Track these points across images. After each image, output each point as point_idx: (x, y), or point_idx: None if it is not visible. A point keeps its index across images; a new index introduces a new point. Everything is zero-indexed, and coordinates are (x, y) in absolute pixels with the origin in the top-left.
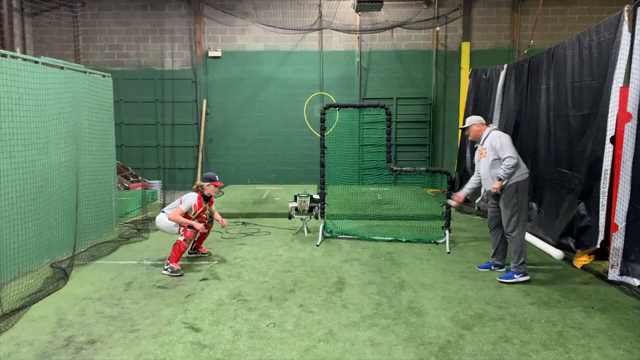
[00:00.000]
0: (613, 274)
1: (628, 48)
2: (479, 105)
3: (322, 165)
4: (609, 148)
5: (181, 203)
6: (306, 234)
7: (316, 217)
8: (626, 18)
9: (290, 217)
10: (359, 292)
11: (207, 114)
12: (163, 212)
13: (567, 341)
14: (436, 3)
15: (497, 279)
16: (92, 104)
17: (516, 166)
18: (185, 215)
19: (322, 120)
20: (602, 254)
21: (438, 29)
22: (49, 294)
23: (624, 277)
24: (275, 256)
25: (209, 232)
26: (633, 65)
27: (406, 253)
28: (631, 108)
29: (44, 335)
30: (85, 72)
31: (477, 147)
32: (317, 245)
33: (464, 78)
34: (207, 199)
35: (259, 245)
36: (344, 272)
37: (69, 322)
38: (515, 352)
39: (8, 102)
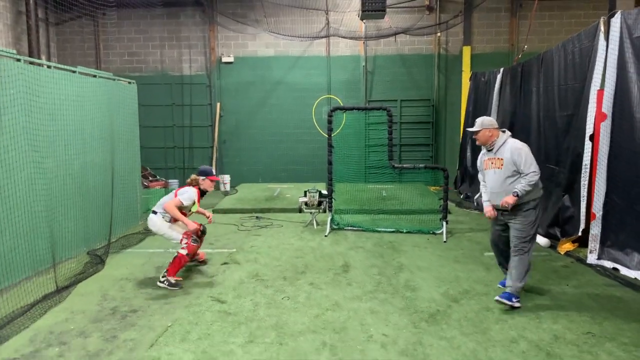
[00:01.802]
0: (591, 258)
1: (604, 54)
2: (478, 106)
3: (330, 163)
4: (588, 145)
5: (176, 196)
6: (315, 226)
7: (324, 211)
8: (602, 28)
9: (300, 210)
10: (362, 273)
11: (220, 116)
12: (154, 212)
13: (539, 309)
14: (438, 9)
15: (496, 298)
16: (120, 109)
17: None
18: (181, 211)
19: (330, 122)
20: (584, 241)
21: (439, 34)
22: (90, 275)
23: (601, 260)
24: (288, 245)
25: (202, 242)
26: (607, 70)
27: (406, 242)
28: (606, 109)
29: (93, 306)
30: (113, 80)
31: (483, 152)
32: (325, 236)
33: (465, 81)
34: (202, 193)
35: (272, 236)
36: (349, 258)
37: (111, 297)
38: (494, 318)
39: (50, 108)
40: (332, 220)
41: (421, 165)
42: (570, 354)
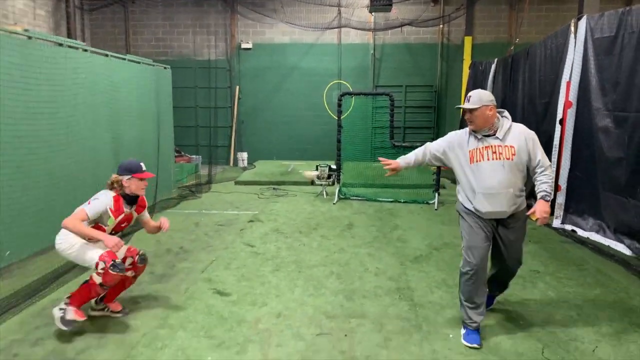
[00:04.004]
0: (556, 222)
1: (573, 51)
2: None
3: (339, 141)
4: (558, 128)
5: (88, 204)
6: (325, 196)
7: (333, 183)
8: (572, 28)
9: (312, 183)
10: (363, 230)
11: (239, 98)
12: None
13: None
14: (442, 1)
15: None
16: (158, 91)
17: None
18: (96, 225)
19: (339, 105)
20: (552, 209)
21: (443, 25)
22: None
23: (564, 224)
24: (301, 209)
25: (135, 278)
26: (574, 65)
27: (402, 210)
28: (572, 97)
29: (151, 247)
30: (153, 65)
31: (465, 138)
32: (334, 203)
33: (465, 69)
34: (131, 200)
35: (288, 203)
36: (353, 220)
37: (163, 242)
38: None
39: (106, 89)
40: (339, 191)
41: (418, 144)
42: (517, 282)
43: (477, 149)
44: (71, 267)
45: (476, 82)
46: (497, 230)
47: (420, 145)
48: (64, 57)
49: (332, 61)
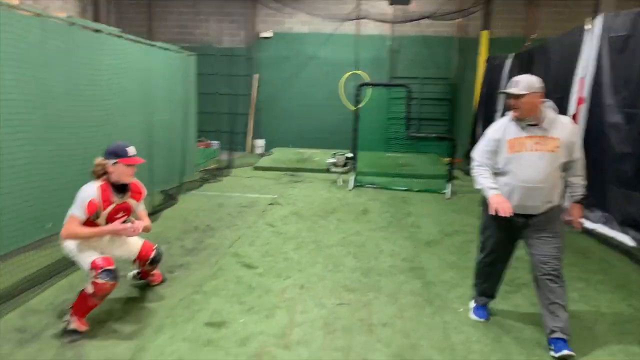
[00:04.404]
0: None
1: (588, 48)
2: (491, 87)
3: (355, 130)
4: None
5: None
6: (341, 183)
7: (348, 171)
8: (588, 25)
9: (328, 170)
10: (377, 216)
11: (258, 87)
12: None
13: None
14: None
15: (562, 352)
16: (184, 77)
17: None
18: (86, 222)
19: (357, 95)
20: None
21: (460, 19)
22: (169, 207)
23: None
24: (318, 195)
25: (155, 268)
26: (588, 62)
27: (416, 198)
28: (585, 93)
29: (179, 224)
30: (181, 52)
31: (507, 127)
32: (349, 190)
33: (481, 63)
34: (120, 188)
35: (306, 188)
36: (368, 206)
37: (190, 219)
38: (474, 247)
39: (138, 74)
40: (355, 178)
41: (433, 135)
42: (523, 266)
43: (518, 138)
44: None
45: (492, 76)
46: (525, 229)
47: (431, 133)
48: (102, 42)
49: (350, 51)
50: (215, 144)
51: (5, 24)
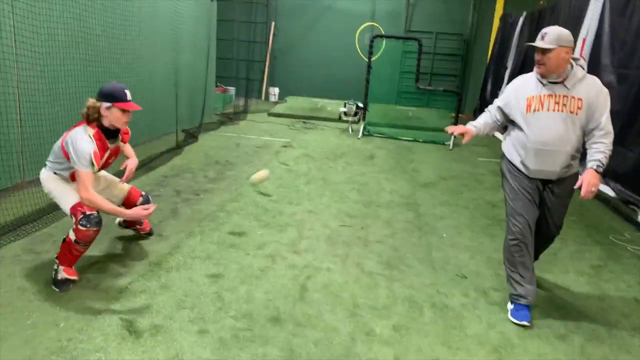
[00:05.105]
0: None
1: (592, 10)
2: (503, 45)
3: (367, 81)
4: None
5: (67, 158)
6: (350, 132)
7: (359, 120)
8: None
9: (340, 117)
10: (383, 161)
11: (274, 35)
12: (46, 164)
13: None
14: None
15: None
16: (207, 22)
17: None
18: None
19: (371, 47)
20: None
21: None
22: (191, 144)
23: None
24: (329, 141)
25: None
26: (591, 23)
27: (420, 148)
28: (585, 53)
29: (201, 158)
30: None
31: (528, 83)
32: (358, 138)
33: (496, 20)
34: (112, 133)
35: (317, 135)
36: (375, 152)
37: (211, 155)
38: (466, 189)
39: (165, 18)
40: (364, 127)
41: (441, 89)
42: None
43: (538, 96)
44: (150, 159)
45: (505, 34)
46: (542, 193)
47: (439, 87)
48: None
49: (367, 2)
50: (231, 89)
51: None
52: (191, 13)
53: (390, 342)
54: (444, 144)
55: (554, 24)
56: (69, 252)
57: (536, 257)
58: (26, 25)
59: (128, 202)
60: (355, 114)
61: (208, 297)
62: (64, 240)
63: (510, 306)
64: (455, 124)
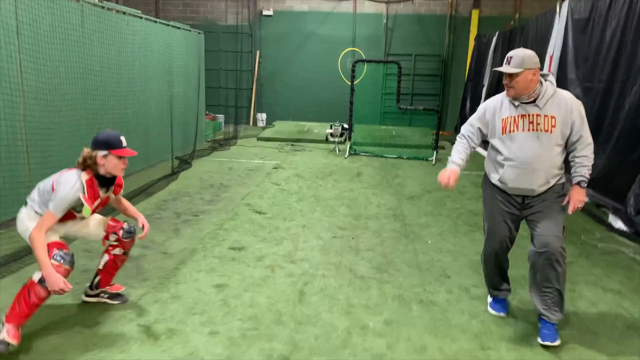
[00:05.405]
0: None
1: (556, 29)
2: (479, 63)
3: (351, 103)
4: None
5: (53, 189)
6: (337, 152)
7: (345, 141)
8: (557, 8)
9: (326, 139)
10: (370, 177)
11: (259, 63)
12: (27, 202)
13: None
14: None
15: (544, 342)
16: (192, 54)
17: None
18: (70, 214)
19: (353, 71)
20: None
21: None
22: (185, 169)
23: None
24: (317, 161)
25: (127, 255)
26: (556, 41)
27: (404, 165)
28: (553, 69)
29: (196, 182)
30: (190, 31)
31: (499, 105)
32: (345, 158)
33: (471, 40)
34: (106, 182)
35: (305, 156)
36: (361, 170)
37: (205, 179)
38: (449, 200)
39: (157, 51)
40: (350, 147)
41: (420, 107)
42: None
43: (511, 117)
44: (148, 185)
45: (480, 53)
46: (524, 206)
47: (419, 106)
48: (126, 23)
49: (347, 29)
50: (220, 117)
51: (51, 7)
52: (182, 46)
53: (382, 334)
54: (427, 159)
55: (523, 43)
56: (25, 302)
57: (543, 291)
58: (30, 64)
59: (109, 230)
60: (341, 134)
61: (215, 304)
62: (23, 285)
63: (489, 299)
64: (437, 140)
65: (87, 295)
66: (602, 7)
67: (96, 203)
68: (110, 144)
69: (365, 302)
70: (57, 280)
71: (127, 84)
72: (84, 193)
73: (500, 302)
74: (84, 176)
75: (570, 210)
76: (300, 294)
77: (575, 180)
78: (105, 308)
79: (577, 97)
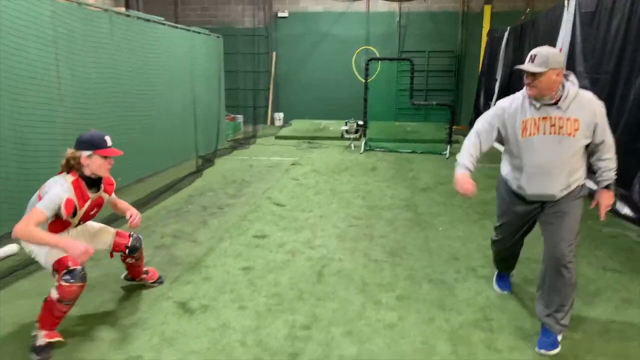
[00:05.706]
0: None
1: (565, 22)
2: (492, 58)
3: (365, 100)
4: None
5: (40, 198)
6: (353, 148)
7: (360, 137)
8: (566, 2)
9: (342, 136)
10: (384, 172)
11: (276, 63)
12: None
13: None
14: None
15: (540, 350)
16: (213, 57)
17: None
18: (56, 221)
19: (367, 69)
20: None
21: None
22: (209, 167)
23: None
24: (333, 157)
25: (141, 260)
26: (565, 34)
27: (418, 159)
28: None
29: (219, 179)
30: (209, 35)
31: (517, 106)
32: (360, 153)
33: (484, 36)
34: (94, 182)
35: (322, 152)
36: (376, 165)
37: (228, 176)
38: None
39: (177, 57)
40: (365, 143)
41: (433, 103)
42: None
43: (532, 119)
44: (175, 182)
45: (493, 48)
46: (542, 209)
47: (432, 102)
48: (151, 30)
49: (361, 28)
50: (239, 117)
51: (84, 19)
52: (203, 50)
53: (395, 307)
54: (441, 154)
55: (534, 37)
56: (50, 314)
57: (548, 298)
58: (67, 70)
59: (116, 245)
60: (356, 131)
61: (243, 284)
62: (45, 300)
63: (494, 277)
64: (450, 135)
65: (126, 279)
66: (608, 0)
67: (87, 205)
68: (94, 144)
69: (379, 281)
70: (76, 249)
71: (152, 88)
72: (70, 195)
73: (505, 280)
74: (70, 178)
75: (602, 216)
76: (319, 275)
77: (603, 184)
78: (145, 288)
79: (585, 88)
